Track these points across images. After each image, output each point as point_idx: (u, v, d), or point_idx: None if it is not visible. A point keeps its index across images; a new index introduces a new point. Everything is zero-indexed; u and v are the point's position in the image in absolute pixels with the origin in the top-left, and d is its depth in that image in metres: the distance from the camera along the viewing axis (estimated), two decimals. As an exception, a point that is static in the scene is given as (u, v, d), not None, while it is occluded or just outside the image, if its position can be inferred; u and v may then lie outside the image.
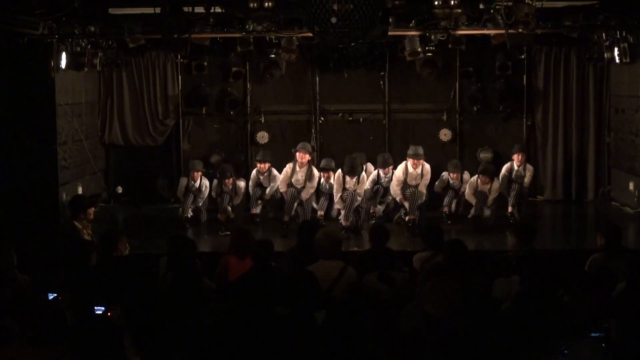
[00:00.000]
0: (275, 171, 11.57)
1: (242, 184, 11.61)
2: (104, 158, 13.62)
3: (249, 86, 13.52)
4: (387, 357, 4.56)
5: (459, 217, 11.61)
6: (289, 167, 11.35)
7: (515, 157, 11.67)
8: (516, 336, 5.01)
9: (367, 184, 11.01)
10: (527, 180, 11.62)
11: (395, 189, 10.97)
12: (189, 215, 11.43)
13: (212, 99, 13.45)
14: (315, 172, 11.34)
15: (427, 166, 11.15)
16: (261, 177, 11.57)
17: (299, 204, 11.17)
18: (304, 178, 11.22)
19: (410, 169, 11.00)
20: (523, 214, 11.54)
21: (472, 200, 11.19)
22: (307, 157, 11.33)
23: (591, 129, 13.25)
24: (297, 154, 11.28)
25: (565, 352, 4.45)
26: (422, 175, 11.03)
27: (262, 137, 13.30)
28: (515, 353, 4.88)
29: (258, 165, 11.67)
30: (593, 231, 7.72)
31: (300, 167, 11.26)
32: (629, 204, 12.25)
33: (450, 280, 5.18)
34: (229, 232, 10.29)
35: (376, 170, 11.23)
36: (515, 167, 11.61)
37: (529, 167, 11.75)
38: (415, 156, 11.05)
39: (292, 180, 11.23)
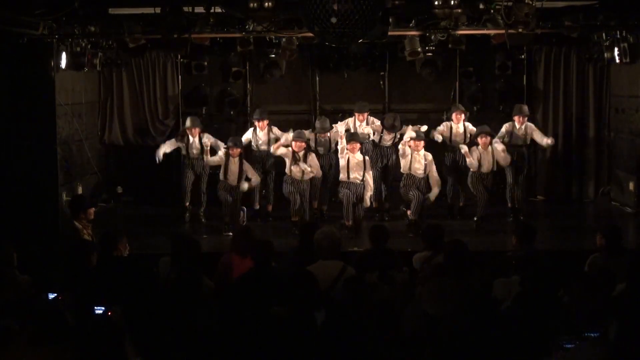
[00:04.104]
0: (275, 128, 11.53)
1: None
2: (104, 158, 13.61)
3: (249, 86, 13.52)
4: (387, 357, 4.57)
5: (460, 212, 11.68)
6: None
7: (516, 118, 11.62)
8: (516, 336, 5.01)
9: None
10: (537, 137, 11.58)
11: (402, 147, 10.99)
12: (188, 204, 11.59)
13: (212, 99, 13.45)
14: (314, 158, 11.15)
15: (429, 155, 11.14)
16: (260, 137, 11.49)
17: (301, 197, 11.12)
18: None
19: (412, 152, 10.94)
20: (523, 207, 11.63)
21: (470, 156, 11.06)
22: (303, 145, 11.03)
23: (591, 129, 13.25)
24: (294, 143, 11.02)
25: (567, 346, 4.45)
26: (426, 161, 10.98)
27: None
28: (515, 353, 4.88)
29: (256, 123, 11.51)
30: (593, 231, 7.70)
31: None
32: (629, 204, 12.26)
33: (450, 281, 5.18)
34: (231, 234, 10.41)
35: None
36: (517, 126, 11.57)
37: (531, 125, 11.70)
38: (417, 137, 10.97)
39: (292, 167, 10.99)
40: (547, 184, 13.49)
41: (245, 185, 11.06)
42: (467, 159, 11.06)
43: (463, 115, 11.73)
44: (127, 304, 5.29)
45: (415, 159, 10.90)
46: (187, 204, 11.69)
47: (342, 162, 10.80)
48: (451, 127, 11.75)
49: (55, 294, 5.57)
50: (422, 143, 10.96)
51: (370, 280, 6.31)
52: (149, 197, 13.22)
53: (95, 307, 5.28)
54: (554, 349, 4.54)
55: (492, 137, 11.25)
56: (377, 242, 7.33)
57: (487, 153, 11.10)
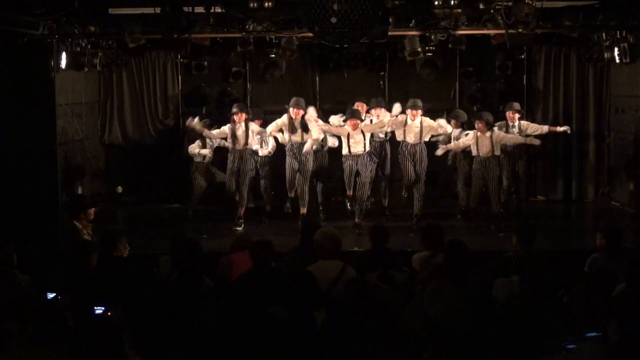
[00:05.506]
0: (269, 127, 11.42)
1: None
2: (104, 158, 13.61)
3: (249, 86, 13.53)
4: (387, 358, 4.56)
5: (473, 213, 11.67)
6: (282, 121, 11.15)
7: (508, 114, 11.55)
8: (516, 336, 5.01)
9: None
10: (533, 129, 11.51)
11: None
12: (191, 212, 11.60)
13: (212, 99, 13.44)
14: (313, 124, 11.08)
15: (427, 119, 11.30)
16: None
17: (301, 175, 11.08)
18: (300, 129, 11.02)
19: (409, 122, 11.07)
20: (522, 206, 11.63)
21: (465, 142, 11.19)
22: (302, 112, 11.03)
23: (591, 129, 13.25)
24: (291, 110, 11.01)
25: (569, 347, 4.45)
26: (421, 130, 11.17)
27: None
28: (516, 353, 4.88)
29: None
30: (593, 231, 7.70)
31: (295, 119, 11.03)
32: (629, 204, 12.25)
33: (450, 281, 5.18)
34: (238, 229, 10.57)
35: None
36: (510, 124, 11.49)
37: (524, 122, 11.60)
38: (414, 107, 11.05)
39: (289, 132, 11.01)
40: (547, 184, 13.49)
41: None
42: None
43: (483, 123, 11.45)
44: (127, 304, 5.30)
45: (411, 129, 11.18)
46: (191, 212, 11.64)
47: (343, 138, 10.89)
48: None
49: (55, 294, 5.57)
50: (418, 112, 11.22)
51: (370, 280, 6.31)
52: (149, 197, 13.23)
53: (95, 307, 5.28)
54: (556, 350, 4.54)
55: (490, 123, 11.15)
56: (377, 242, 7.32)
57: (484, 137, 11.04)
